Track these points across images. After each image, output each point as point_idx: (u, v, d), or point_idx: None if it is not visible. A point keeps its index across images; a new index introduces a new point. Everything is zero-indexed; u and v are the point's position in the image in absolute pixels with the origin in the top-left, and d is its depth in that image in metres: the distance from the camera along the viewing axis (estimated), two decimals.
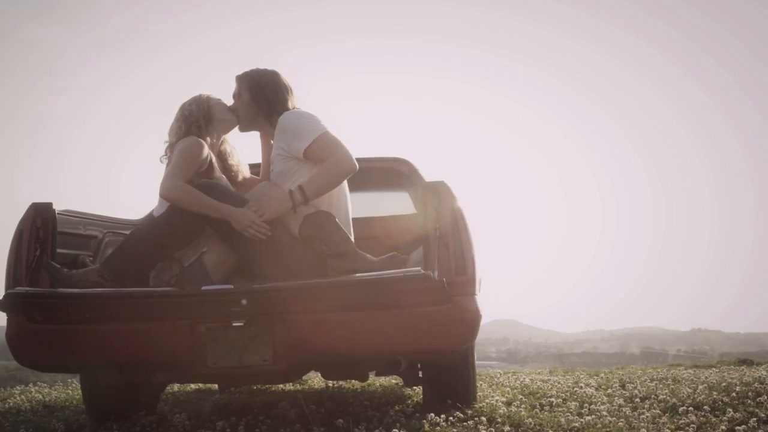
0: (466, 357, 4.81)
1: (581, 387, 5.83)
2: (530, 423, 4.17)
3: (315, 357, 4.19)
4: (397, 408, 5.07)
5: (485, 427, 4.09)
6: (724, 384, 5.23)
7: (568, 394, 5.43)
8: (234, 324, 4.07)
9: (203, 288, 4.07)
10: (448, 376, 4.86)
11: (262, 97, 4.64)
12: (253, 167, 5.15)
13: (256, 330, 4.06)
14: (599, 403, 4.87)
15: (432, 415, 4.27)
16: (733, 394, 4.67)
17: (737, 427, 3.79)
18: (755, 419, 3.94)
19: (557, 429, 4.01)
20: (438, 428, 4.11)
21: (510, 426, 4.10)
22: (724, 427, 3.81)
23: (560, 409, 4.74)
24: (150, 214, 5.70)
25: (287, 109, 4.60)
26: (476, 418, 4.29)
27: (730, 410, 4.19)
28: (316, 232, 4.33)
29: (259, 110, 4.65)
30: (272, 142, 4.66)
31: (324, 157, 4.39)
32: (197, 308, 4.09)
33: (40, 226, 4.30)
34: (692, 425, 3.89)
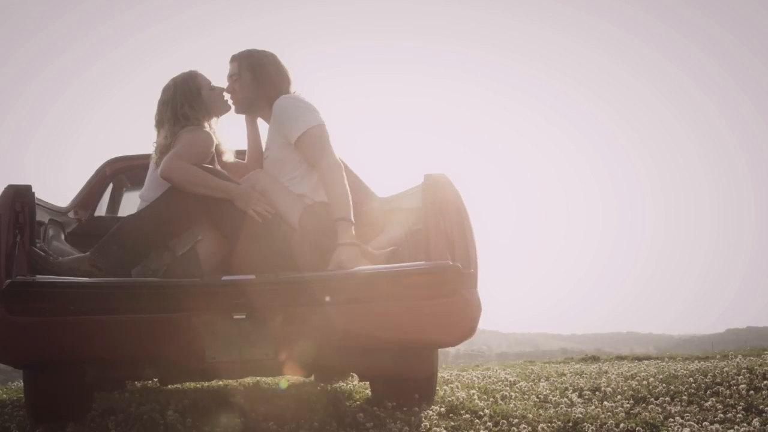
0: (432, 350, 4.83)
1: (512, 382, 5.99)
2: (528, 417, 4.25)
3: (319, 350, 4.10)
4: (348, 404, 5.03)
5: (489, 419, 4.14)
6: (661, 376, 5.51)
7: (510, 388, 5.56)
8: (235, 316, 3.93)
9: (224, 278, 3.90)
10: (407, 369, 4.83)
11: (266, 78, 4.47)
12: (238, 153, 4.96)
13: (259, 323, 3.93)
14: (556, 396, 5.03)
15: (430, 410, 4.28)
16: (691, 386, 4.93)
17: (728, 414, 4.01)
18: (742, 407, 4.18)
19: (559, 420, 4.11)
20: (436, 422, 4.12)
21: (517, 418, 4.17)
22: (722, 415, 4.02)
23: (523, 402, 4.85)
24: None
25: (289, 91, 4.47)
26: (462, 413, 4.35)
27: (712, 399, 4.43)
28: (317, 224, 4.22)
29: (261, 91, 4.47)
30: (268, 125, 4.51)
31: (312, 153, 4.27)
32: (196, 300, 3.92)
33: (20, 211, 3.97)
34: (687, 414, 4.09)
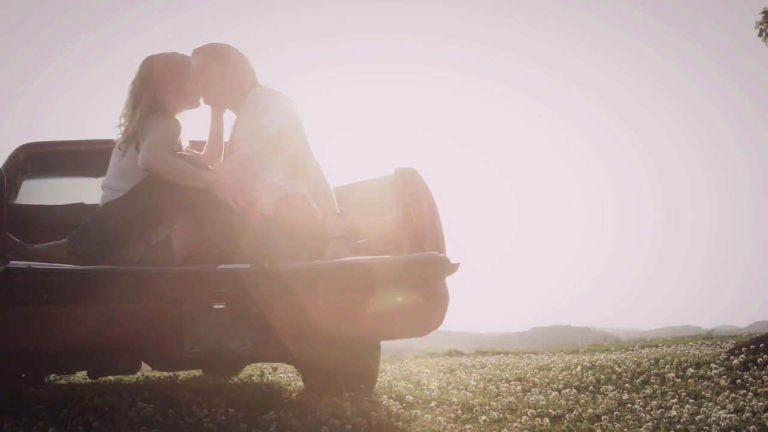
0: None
1: (430, 373, 6.16)
2: (491, 404, 4.42)
3: (295, 341, 4.13)
4: (286, 396, 5.07)
5: (458, 407, 4.28)
6: (579, 367, 5.81)
7: (437, 379, 5.73)
8: (215, 306, 3.94)
9: (219, 267, 3.86)
10: (360, 361, 4.92)
11: (234, 67, 4.43)
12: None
13: (237, 313, 3.95)
14: (491, 385, 5.24)
15: (396, 400, 4.37)
16: (621, 376, 5.24)
17: (674, 399, 4.32)
18: (685, 393, 4.50)
19: (527, 407, 4.29)
20: (412, 410, 4.24)
21: (487, 406, 4.32)
22: (673, 400, 4.31)
23: (466, 392, 5.01)
24: None
25: (256, 82, 4.46)
26: (420, 402, 4.48)
27: (653, 387, 4.74)
28: (293, 214, 4.24)
29: (229, 82, 4.43)
30: (236, 115, 4.48)
31: (291, 149, 4.30)
32: (177, 289, 3.89)
33: None
34: (639, 400, 4.37)
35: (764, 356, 5.17)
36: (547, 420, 3.84)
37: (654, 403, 4.18)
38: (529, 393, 4.83)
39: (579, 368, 5.63)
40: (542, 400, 4.45)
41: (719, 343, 8.13)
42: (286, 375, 6.15)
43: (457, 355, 10.65)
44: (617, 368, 5.48)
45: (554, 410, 4.18)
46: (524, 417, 3.93)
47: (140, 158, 4.02)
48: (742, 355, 5.29)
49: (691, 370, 5.23)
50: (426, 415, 4.03)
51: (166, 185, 4.03)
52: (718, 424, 3.48)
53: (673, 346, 7.79)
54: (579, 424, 3.84)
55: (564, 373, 5.62)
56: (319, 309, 4.01)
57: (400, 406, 4.34)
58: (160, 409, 4.05)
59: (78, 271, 3.64)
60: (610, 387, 4.83)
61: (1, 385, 4.35)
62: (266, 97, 4.36)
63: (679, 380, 4.96)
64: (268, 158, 4.32)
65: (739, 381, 4.74)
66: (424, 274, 4.00)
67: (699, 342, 8.57)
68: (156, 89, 4.21)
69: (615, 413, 3.98)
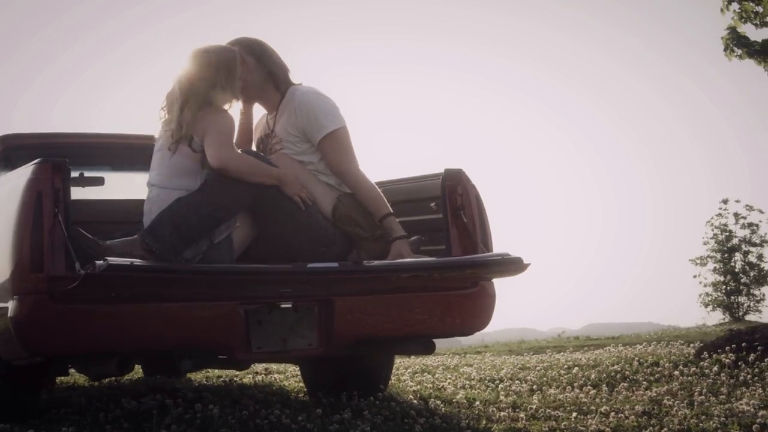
0: None
1: (427, 373, 6.21)
2: (536, 402, 4.52)
3: (356, 339, 4.13)
4: (297, 397, 5.02)
5: (503, 407, 4.35)
6: (567, 366, 5.97)
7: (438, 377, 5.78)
8: (282, 306, 3.93)
9: (309, 266, 3.79)
10: (387, 360, 4.93)
11: (270, 60, 4.36)
12: None
13: (303, 312, 3.96)
14: (497, 385, 5.34)
15: (433, 399, 4.40)
16: (616, 375, 5.42)
17: (699, 396, 4.52)
18: (701, 389, 4.71)
19: (570, 405, 4.40)
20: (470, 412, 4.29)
21: (513, 408, 4.39)
22: (701, 397, 4.51)
23: (479, 390, 5.10)
24: None
25: (288, 76, 4.40)
26: (433, 400, 4.58)
27: (660, 387, 4.92)
28: (352, 214, 4.22)
29: (268, 74, 4.34)
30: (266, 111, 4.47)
31: (336, 156, 4.28)
32: (245, 288, 3.86)
33: (59, 188, 3.62)
34: (667, 397, 4.55)
35: (751, 354, 5.45)
36: (631, 417, 3.95)
37: (710, 398, 4.34)
38: (540, 392, 4.94)
39: (576, 368, 5.76)
40: (582, 397, 4.57)
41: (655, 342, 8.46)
42: (270, 376, 6.06)
43: None
44: (614, 367, 5.65)
45: (602, 408, 4.27)
46: (610, 414, 4.03)
47: (212, 157, 3.90)
48: (731, 353, 5.54)
49: (682, 368, 5.45)
50: (501, 413, 4.08)
51: (238, 182, 3.94)
52: None
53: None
54: (647, 420, 3.96)
55: (557, 372, 5.75)
56: (386, 308, 4.12)
57: (446, 407, 4.36)
58: (225, 410, 3.94)
59: (183, 270, 3.56)
60: (625, 384, 5.01)
61: (21, 388, 4.16)
62: (313, 101, 4.31)
63: (683, 377, 5.17)
64: (314, 159, 4.28)
65: (741, 378, 4.98)
66: (499, 273, 4.09)
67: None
68: (210, 85, 4.05)
69: (674, 409, 4.12)
